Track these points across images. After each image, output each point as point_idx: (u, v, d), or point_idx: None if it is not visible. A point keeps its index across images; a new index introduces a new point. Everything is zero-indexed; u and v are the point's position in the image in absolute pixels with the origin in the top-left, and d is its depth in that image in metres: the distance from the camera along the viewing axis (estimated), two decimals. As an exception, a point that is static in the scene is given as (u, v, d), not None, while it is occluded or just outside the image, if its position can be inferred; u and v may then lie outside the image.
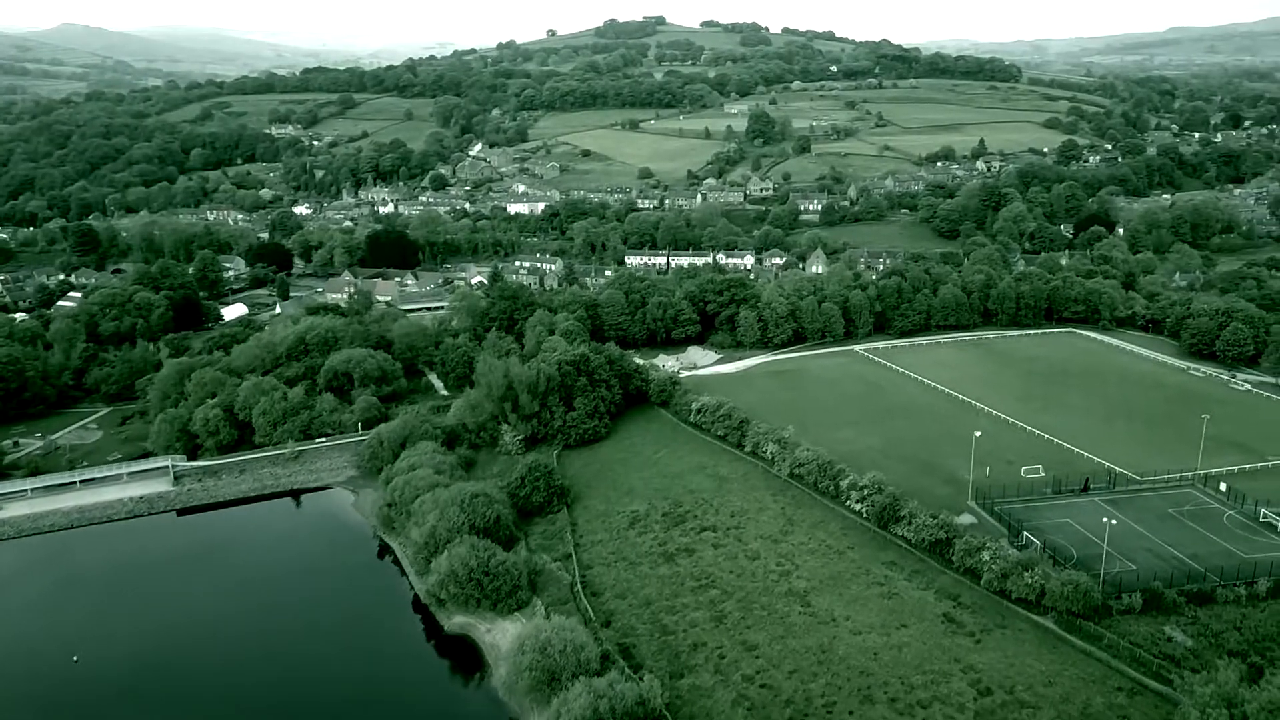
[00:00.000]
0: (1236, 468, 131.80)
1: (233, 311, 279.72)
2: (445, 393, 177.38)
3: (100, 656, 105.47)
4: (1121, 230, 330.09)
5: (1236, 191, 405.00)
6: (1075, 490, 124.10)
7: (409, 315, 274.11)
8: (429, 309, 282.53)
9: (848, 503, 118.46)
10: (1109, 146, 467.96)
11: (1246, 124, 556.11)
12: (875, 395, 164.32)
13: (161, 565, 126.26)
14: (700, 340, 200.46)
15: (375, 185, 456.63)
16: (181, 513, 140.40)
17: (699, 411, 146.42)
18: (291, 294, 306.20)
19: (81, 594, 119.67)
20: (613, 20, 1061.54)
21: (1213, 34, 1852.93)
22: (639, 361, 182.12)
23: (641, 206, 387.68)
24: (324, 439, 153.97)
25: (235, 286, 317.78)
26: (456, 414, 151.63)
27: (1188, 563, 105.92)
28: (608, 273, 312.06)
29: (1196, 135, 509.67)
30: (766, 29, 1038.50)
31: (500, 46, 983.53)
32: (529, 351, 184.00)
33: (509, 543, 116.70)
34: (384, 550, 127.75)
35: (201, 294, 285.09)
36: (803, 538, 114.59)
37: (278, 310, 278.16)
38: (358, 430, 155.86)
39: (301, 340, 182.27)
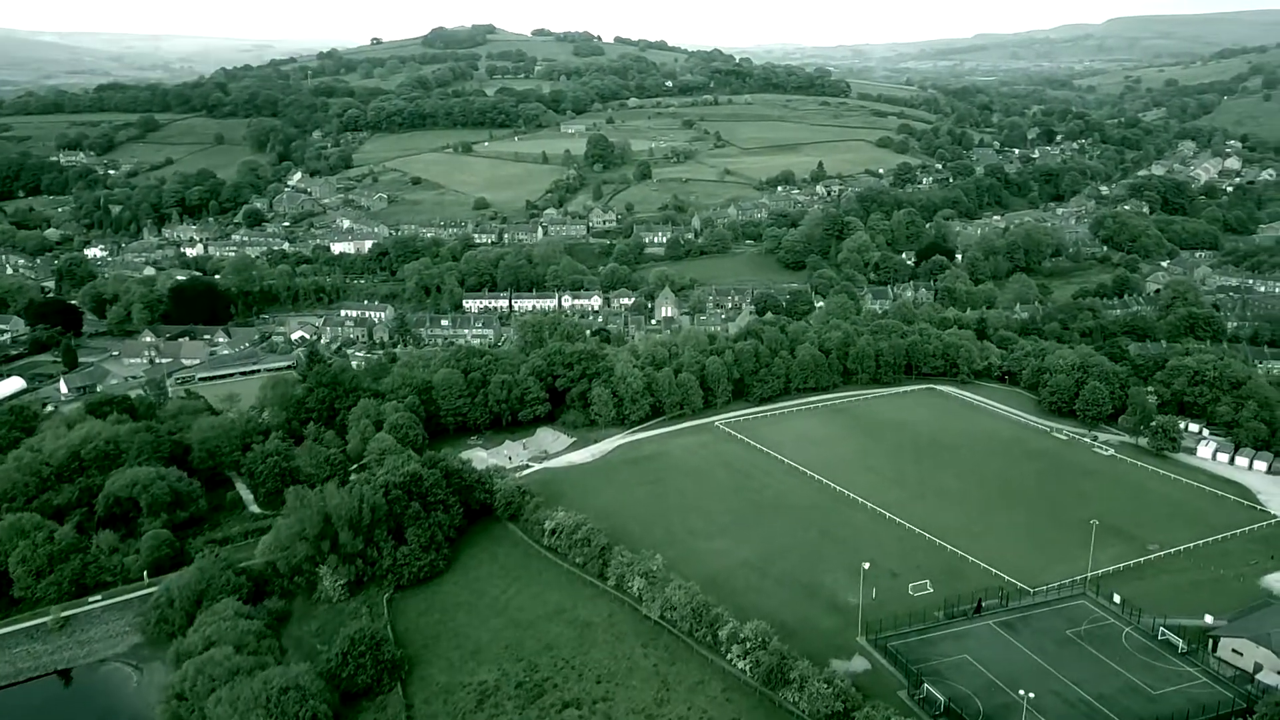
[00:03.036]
0: (1122, 565, 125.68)
1: (6, 387, 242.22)
2: (257, 509, 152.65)
3: None
4: (960, 257, 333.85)
5: (1059, 211, 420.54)
6: (968, 613, 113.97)
7: (221, 382, 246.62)
8: (243, 374, 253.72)
9: (729, 657, 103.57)
10: (939, 166, 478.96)
11: (1059, 139, 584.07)
12: (743, 487, 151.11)
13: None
14: (551, 419, 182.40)
15: (181, 222, 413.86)
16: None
17: (553, 533, 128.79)
18: (81, 359, 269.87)
19: None
20: (440, 28, 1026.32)
21: (1014, 41, 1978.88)
22: (481, 455, 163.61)
23: (479, 241, 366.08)
24: (100, 596, 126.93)
25: (11, 353, 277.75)
26: (265, 552, 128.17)
27: (1099, 709, 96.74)
28: (444, 321, 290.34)
29: (1016, 152, 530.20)
30: (599, 38, 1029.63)
31: (321, 56, 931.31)
32: (353, 450, 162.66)
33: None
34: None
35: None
36: (681, 708, 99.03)
37: (62, 387, 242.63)
38: (144, 579, 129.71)
39: (75, 455, 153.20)
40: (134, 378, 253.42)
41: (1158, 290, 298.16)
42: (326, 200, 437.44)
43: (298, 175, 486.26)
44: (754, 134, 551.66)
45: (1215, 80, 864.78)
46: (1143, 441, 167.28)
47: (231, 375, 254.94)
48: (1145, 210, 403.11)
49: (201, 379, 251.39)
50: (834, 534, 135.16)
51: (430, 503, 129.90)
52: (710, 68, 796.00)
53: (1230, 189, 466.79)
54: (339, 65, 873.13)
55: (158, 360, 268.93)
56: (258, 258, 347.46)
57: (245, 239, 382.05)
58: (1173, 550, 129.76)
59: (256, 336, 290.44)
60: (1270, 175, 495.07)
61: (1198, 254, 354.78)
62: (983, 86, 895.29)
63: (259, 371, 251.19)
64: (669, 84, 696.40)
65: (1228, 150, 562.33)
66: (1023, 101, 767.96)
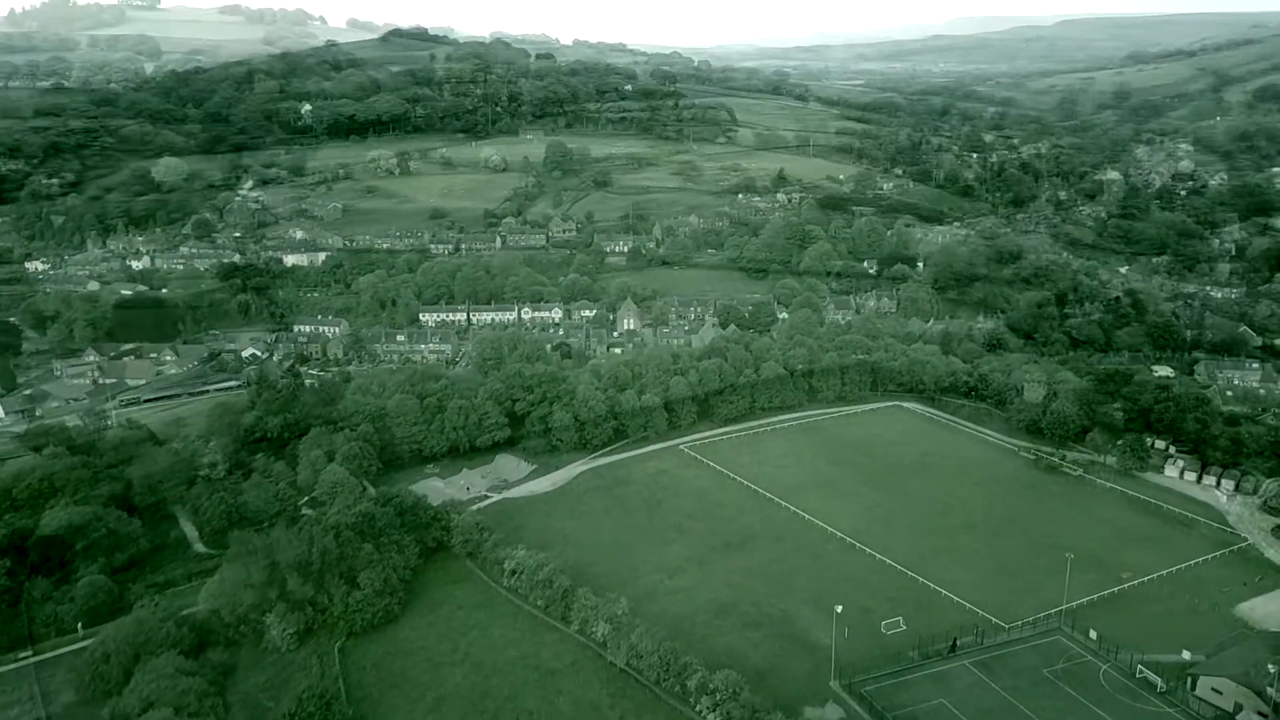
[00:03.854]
0: (1096, 595, 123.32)
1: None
2: (202, 548, 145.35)
3: None
4: (923, 265, 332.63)
5: (1019, 216, 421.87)
6: (943, 652, 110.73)
7: (168, 404, 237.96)
8: (191, 395, 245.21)
9: (698, 709, 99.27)
10: (899, 172, 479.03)
11: (1015, 141, 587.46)
12: (710, 517, 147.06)
13: None
14: (511, 443, 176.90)
15: (128, 233, 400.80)
16: None
17: (513, 574, 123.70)
18: (20, 380, 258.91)
19: None
20: (397, 30, 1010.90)
21: (969, 43, 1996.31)
22: (438, 486, 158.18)
23: (435, 252, 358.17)
24: (30, 650, 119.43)
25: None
26: (209, 599, 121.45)
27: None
28: (400, 337, 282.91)
29: (975, 156, 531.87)
30: (557, 41, 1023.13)
31: (274, 58, 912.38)
32: (304, 483, 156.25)
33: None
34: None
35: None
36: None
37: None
38: (79, 630, 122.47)
39: (7, 494, 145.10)
40: (76, 400, 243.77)
41: (1117, 298, 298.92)
42: (279, 209, 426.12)
43: (249, 184, 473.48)
44: (715, 139, 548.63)
45: (1164, 82, 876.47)
46: (1111, 460, 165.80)
47: (179, 396, 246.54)
48: (1102, 215, 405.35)
49: (147, 400, 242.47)
50: (804, 566, 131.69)
51: (384, 543, 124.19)
52: (670, 71, 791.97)
53: (1184, 192, 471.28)
54: (292, 68, 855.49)
55: (101, 381, 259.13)
56: (207, 270, 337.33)
57: (194, 251, 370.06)
58: (1145, 578, 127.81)
59: (205, 354, 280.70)
60: (1221, 179, 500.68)
61: (1154, 260, 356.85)
62: (939, 89, 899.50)
63: (207, 392, 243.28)
64: (628, 87, 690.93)
65: (1180, 154, 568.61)
66: (979, 105, 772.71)
